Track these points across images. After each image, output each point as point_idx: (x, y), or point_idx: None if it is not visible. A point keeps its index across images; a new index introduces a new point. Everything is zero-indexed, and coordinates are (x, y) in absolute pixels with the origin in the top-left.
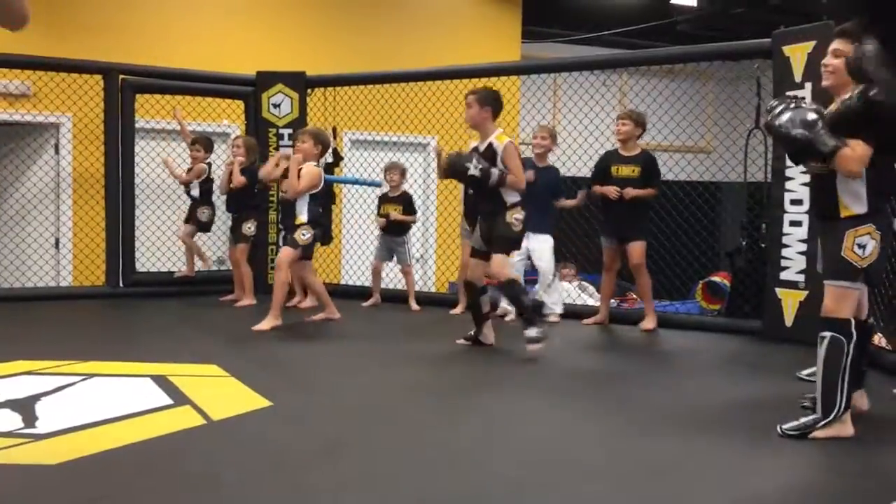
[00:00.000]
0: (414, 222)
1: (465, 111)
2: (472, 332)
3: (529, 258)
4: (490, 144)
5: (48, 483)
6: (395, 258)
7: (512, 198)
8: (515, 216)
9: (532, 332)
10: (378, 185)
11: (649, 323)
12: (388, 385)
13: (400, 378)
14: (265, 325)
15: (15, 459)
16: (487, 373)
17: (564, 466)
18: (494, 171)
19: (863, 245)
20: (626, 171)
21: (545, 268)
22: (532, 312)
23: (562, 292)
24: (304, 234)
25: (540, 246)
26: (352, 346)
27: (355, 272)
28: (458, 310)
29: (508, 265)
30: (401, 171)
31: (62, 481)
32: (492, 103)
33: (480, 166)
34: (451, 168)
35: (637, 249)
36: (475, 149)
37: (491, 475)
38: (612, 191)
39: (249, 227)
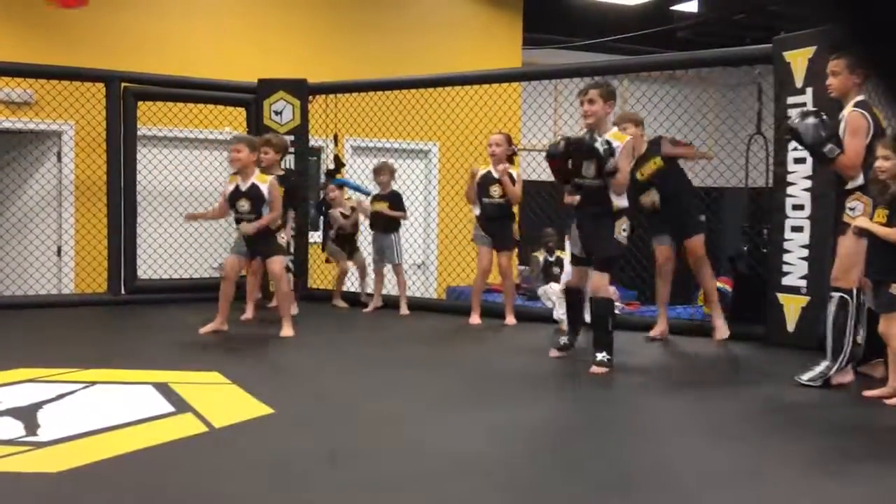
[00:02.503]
0: (404, 218)
1: (585, 107)
2: (567, 341)
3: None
4: (608, 141)
5: (50, 491)
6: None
7: (620, 201)
8: (623, 229)
9: (601, 355)
10: (368, 193)
11: (722, 331)
12: (391, 392)
13: (403, 384)
14: (288, 331)
15: (17, 467)
16: (490, 375)
17: (570, 475)
18: (613, 159)
19: None
20: (648, 168)
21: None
22: (609, 337)
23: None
24: (282, 238)
25: None
26: (354, 353)
27: (354, 278)
28: (474, 319)
29: (608, 283)
30: (390, 171)
31: (64, 489)
32: (614, 98)
33: (605, 146)
34: (579, 141)
35: (696, 242)
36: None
37: (495, 480)
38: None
39: (283, 238)
